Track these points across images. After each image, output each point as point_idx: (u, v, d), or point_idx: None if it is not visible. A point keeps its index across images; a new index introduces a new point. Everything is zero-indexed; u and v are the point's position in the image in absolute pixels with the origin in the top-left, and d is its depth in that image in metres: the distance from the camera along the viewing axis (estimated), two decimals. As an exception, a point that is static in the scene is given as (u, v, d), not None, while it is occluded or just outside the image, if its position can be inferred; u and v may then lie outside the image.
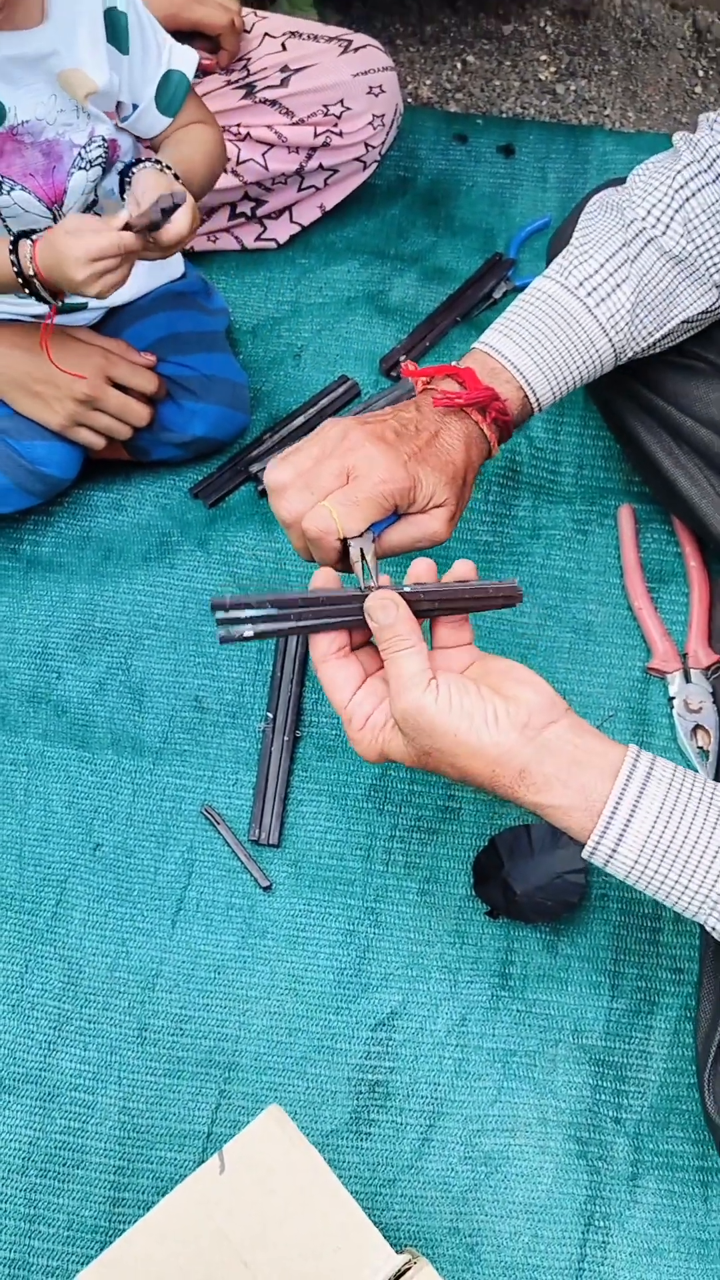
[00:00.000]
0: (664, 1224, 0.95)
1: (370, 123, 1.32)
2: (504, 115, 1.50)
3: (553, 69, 1.55)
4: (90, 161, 1.04)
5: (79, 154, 1.03)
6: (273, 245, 1.39)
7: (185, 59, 1.08)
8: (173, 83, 1.07)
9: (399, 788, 1.10)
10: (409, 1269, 0.77)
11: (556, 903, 1.01)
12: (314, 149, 1.32)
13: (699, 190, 0.93)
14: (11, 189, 1.02)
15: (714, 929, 0.76)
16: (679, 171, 0.94)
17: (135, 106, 1.07)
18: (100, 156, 1.05)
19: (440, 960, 1.03)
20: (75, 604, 1.18)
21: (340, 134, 1.31)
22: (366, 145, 1.34)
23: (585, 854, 0.76)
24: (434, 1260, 0.93)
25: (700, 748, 1.11)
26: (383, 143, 1.36)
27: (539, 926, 1.04)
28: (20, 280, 0.97)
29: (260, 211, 1.37)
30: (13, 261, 0.97)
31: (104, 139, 1.04)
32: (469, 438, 0.89)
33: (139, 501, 1.23)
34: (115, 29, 1.01)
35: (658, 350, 1.00)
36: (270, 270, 1.37)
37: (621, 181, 1.01)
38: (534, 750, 0.74)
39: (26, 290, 0.98)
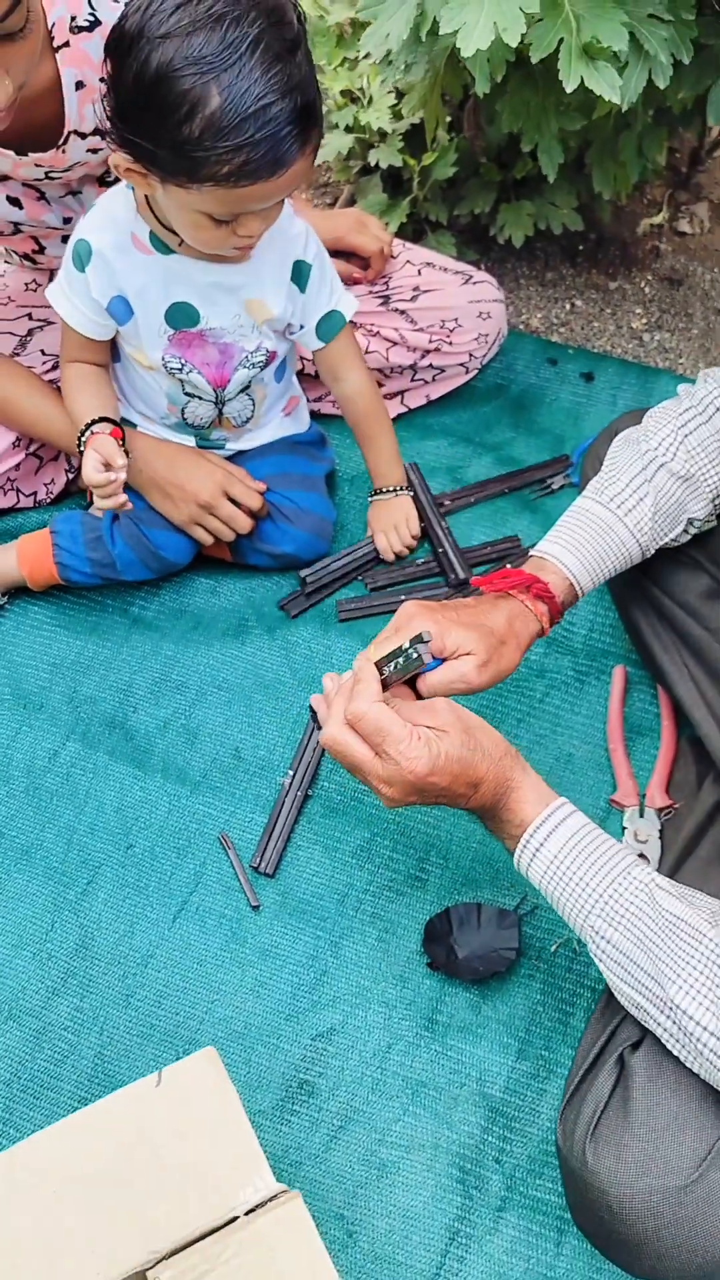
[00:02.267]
0: (518, 1255, 1.09)
1: (476, 339, 1.66)
2: (594, 350, 1.83)
3: (644, 320, 1.87)
4: (253, 363, 1.38)
5: (246, 356, 1.37)
6: (383, 418, 1.72)
7: (347, 304, 1.41)
8: (333, 319, 1.40)
9: (382, 853, 1.32)
10: (281, 1195, 0.95)
11: (488, 969, 1.21)
12: (428, 351, 1.65)
13: (696, 429, 1.20)
14: (190, 371, 1.36)
15: (595, 930, 0.96)
16: (680, 414, 1.21)
17: (302, 327, 1.40)
18: (261, 360, 1.38)
19: (381, 996, 1.23)
20: (161, 658, 1.47)
21: (450, 344, 1.65)
22: (470, 355, 1.67)
23: (519, 848, 1.01)
24: (318, 1238, 1.10)
25: (640, 873, 1.30)
26: (484, 355, 1.69)
27: (469, 986, 1.23)
28: (79, 447, 1.32)
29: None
30: (80, 434, 1.32)
31: (267, 350, 1.38)
32: (513, 614, 1.14)
33: (230, 591, 1.53)
34: (299, 274, 1.34)
35: (669, 545, 1.25)
36: (376, 436, 1.69)
37: (637, 416, 1.29)
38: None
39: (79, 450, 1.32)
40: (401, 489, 1.53)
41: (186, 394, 1.39)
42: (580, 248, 1.96)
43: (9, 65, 1.08)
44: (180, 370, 1.35)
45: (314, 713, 1.03)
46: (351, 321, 1.62)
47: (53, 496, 1.59)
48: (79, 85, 1.26)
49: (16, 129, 1.28)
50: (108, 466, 1.26)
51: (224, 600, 1.52)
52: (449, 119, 1.72)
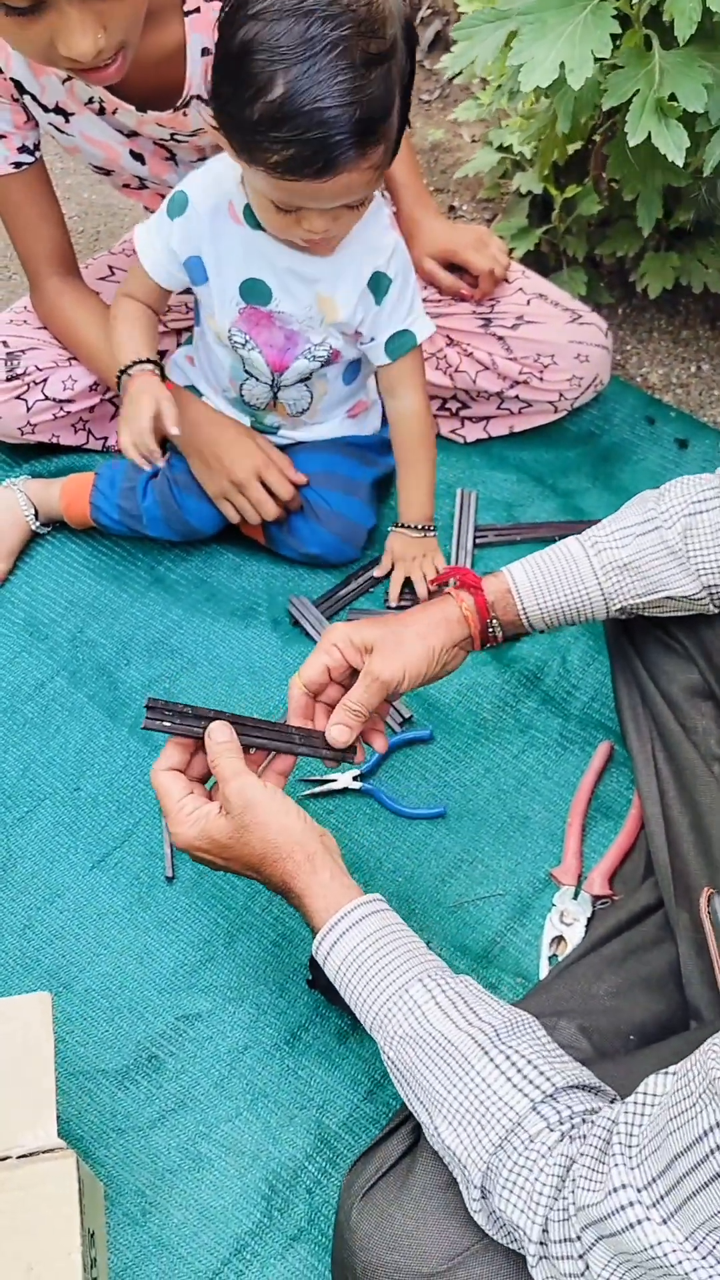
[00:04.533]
0: (294, 1289, 1.08)
1: (569, 380, 1.61)
2: (700, 418, 1.74)
3: (768, 400, 1.78)
4: (315, 356, 1.39)
5: (310, 348, 1.38)
6: (460, 441, 1.69)
7: (423, 327, 1.38)
8: (404, 338, 1.37)
9: (307, 861, 1.31)
10: (57, 1150, 0.97)
11: (365, 1004, 1.19)
12: (517, 382, 1.62)
13: (710, 510, 1.14)
14: (252, 348, 1.38)
15: (380, 1045, 0.94)
16: (702, 490, 1.15)
17: (373, 339, 1.38)
18: (324, 355, 1.39)
19: (256, 998, 1.23)
20: (167, 620, 1.50)
21: (541, 379, 1.61)
22: (560, 395, 1.63)
23: (314, 949, 0.98)
24: (110, 1209, 1.11)
25: (554, 954, 1.25)
26: (575, 398, 1.64)
27: (342, 1015, 1.21)
28: (119, 379, 1.35)
29: (463, 413, 1.68)
30: (121, 371, 1.34)
31: (331, 347, 1.38)
32: (441, 613, 1.14)
33: (253, 573, 1.55)
34: (377, 285, 1.33)
35: (647, 612, 1.20)
36: (448, 455, 1.67)
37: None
38: (322, 847, 1.00)
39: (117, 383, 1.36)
40: (429, 529, 1.47)
41: (246, 372, 1.41)
42: (725, 311, 1.88)
43: (107, 21, 1.12)
44: (244, 345, 1.37)
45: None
46: (448, 337, 1.62)
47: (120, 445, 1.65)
48: (204, 52, 1.30)
49: (141, 88, 1.33)
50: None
51: (244, 580, 1.54)
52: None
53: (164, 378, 1.35)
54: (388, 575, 1.52)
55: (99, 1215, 1.08)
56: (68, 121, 1.39)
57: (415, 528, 1.46)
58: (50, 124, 1.40)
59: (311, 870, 0.98)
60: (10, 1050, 1.02)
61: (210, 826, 1.00)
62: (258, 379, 1.41)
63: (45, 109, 1.38)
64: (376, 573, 1.52)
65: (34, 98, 1.36)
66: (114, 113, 1.36)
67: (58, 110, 1.38)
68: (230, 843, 1.00)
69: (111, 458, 1.64)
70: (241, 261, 1.32)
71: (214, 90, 1.14)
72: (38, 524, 1.55)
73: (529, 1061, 0.86)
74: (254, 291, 1.34)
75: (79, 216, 2.08)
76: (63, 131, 1.41)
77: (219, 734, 1.04)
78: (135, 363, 1.34)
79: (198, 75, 1.32)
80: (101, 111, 1.37)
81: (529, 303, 1.63)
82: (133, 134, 1.41)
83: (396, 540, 1.49)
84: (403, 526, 1.47)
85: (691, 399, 1.79)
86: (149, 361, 1.34)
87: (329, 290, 1.33)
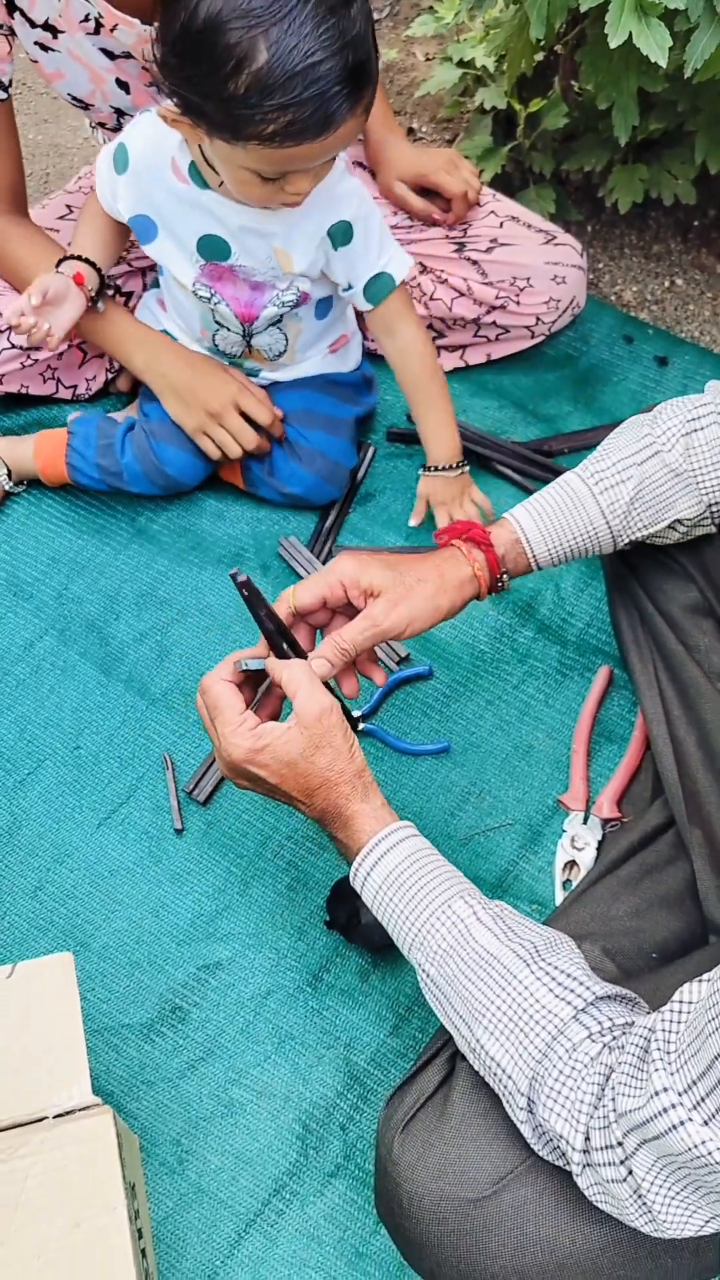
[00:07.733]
0: (335, 1223, 1.09)
1: (546, 303, 1.58)
2: (678, 334, 1.72)
3: (744, 312, 1.76)
4: (284, 302, 1.35)
5: (277, 294, 1.34)
6: (439, 370, 1.66)
7: (399, 265, 1.34)
8: (380, 281, 1.34)
9: (315, 804, 1.31)
10: (93, 1107, 0.97)
11: (384, 941, 1.18)
12: (494, 308, 1.59)
13: (707, 426, 1.12)
14: (219, 302, 1.34)
15: (417, 964, 0.94)
16: (697, 408, 1.13)
17: (350, 287, 1.34)
18: (292, 300, 1.35)
19: (275, 943, 1.23)
20: (153, 571, 1.47)
21: (518, 303, 1.58)
22: (538, 319, 1.60)
23: (352, 876, 0.98)
24: (146, 1160, 1.12)
25: (567, 879, 1.26)
26: (553, 322, 1.61)
27: (362, 953, 1.21)
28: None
29: (440, 342, 1.65)
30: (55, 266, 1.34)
31: (299, 290, 1.34)
32: (444, 557, 1.10)
33: (236, 518, 1.52)
34: (336, 234, 1.28)
35: (655, 541, 1.19)
36: (426, 387, 1.64)
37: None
38: (371, 774, 1.00)
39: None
40: (460, 465, 1.42)
41: (216, 322, 1.38)
42: (695, 223, 1.84)
43: None
44: (209, 300, 1.34)
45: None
46: (421, 264, 1.58)
47: (91, 393, 1.60)
48: None
49: (145, 2, 1.26)
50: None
51: (228, 526, 1.52)
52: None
53: (105, 284, 1.38)
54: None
55: (137, 1167, 1.09)
56: (55, 38, 1.32)
57: (447, 467, 1.41)
58: (36, 43, 1.32)
59: (364, 797, 0.98)
60: (37, 1012, 1.01)
61: (279, 743, 0.97)
62: (229, 329, 1.38)
63: (32, 24, 1.30)
64: (412, 521, 1.48)
65: (22, 13, 1.29)
66: (113, 29, 1.29)
67: (46, 27, 1.31)
68: (298, 760, 0.97)
69: (82, 407, 1.60)
70: (194, 222, 1.28)
71: (175, 74, 1.07)
72: (10, 483, 1.51)
73: (568, 974, 0.87)
74: (212, 248, 1.30)
75: (26, 159, 1.98)
76: (48, 50, 1.34)
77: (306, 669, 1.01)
78: (66, 258, 1.34)
79: None
80: (98, 30, 1.30)
81: (502, 225, 1.59)
82: (125, 55, 1.34)
83: (429, 483, 1.43)
84: (434, 469, 1.42)
85: (668, 315, 1.76)
86: (84, 260, 1.34)
87: (284, 244, 1.29)
